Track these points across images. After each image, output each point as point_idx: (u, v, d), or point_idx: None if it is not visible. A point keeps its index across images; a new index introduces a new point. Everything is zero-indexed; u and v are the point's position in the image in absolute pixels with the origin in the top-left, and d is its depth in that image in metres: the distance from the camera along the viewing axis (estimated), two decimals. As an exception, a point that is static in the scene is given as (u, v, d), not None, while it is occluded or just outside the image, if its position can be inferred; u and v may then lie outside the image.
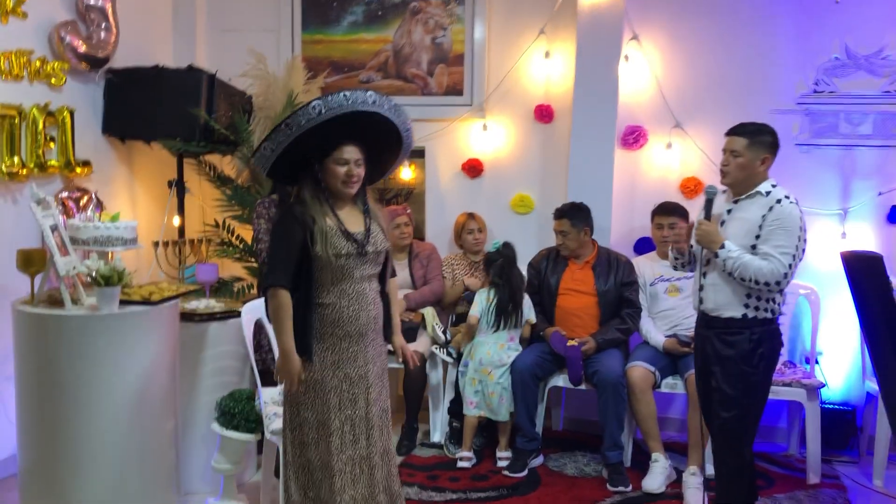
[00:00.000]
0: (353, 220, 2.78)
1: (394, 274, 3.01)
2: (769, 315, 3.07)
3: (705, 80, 4.49)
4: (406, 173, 4.84)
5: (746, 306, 3.05)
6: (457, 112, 4.80)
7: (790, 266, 2.96)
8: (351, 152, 2.71)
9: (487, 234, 4.66)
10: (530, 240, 4.76)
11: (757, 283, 2.97)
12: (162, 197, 4.64)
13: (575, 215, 4.19)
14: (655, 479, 3.83)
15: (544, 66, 4.65)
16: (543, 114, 4.69)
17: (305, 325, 2.70)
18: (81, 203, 4.07)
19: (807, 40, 4.37)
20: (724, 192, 3.22)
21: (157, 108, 4.20)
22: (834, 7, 4.11)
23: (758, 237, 3.01)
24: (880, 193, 4.36)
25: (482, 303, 4.13)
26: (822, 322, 4.33)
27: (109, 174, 4.35)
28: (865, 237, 4.38)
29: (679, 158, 4.55)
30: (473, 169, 4.80)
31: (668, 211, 4.24)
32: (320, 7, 4.90)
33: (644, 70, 4.53)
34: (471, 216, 4.60)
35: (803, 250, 3.02)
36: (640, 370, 3.95)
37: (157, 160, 4.63)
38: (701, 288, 3.17)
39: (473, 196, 4.83)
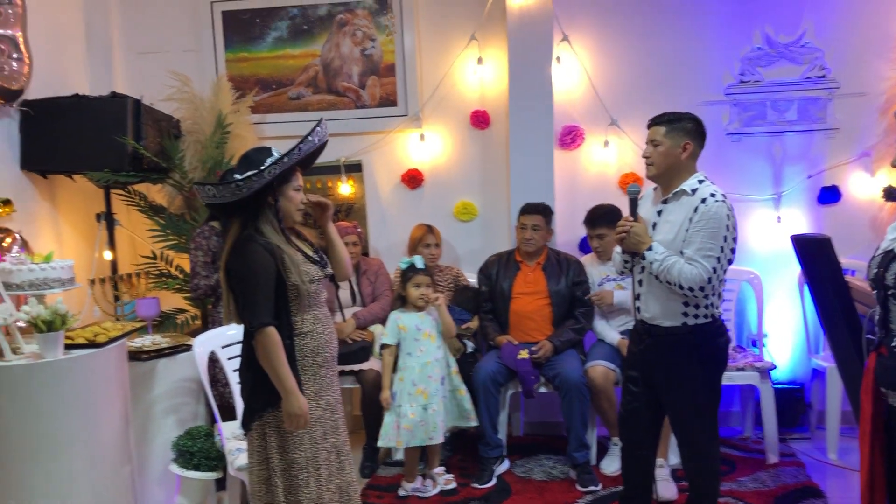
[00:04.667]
0: (302, 245, 2.75)
1: None
2: (708, 319, 2.96)
3: (636, 77, 4.57)
4: (344, 188, 4.75)
5: (685, 315, 2.94)
6: (392, 123, 4.73)
7: (714, 270, 2.84)
8: (301, 180, 2.71)
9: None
10: (476, 246, 4.76)
11: (681, 287, 2.85)
12: (90, 231, 4.41)
13: (547, 212, 4.25)
14: (614, 461, 3.92)
15: (477, 72, 4.64)
16: (480, 120, 4.67)
17: (292, 358, 2.59)
18: (5, 244, 3.82)
19: (730, 32, 4.50)
20: (655, 189, 3.12)
21: (79, 138, 3.98)
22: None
23: (685, 241, 2.91)
24: (809, 176, 4.51)
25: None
26: (765, 304, 4.45)
27: (32, 212, 4.10)
28: (799, 220, 4.53)
29: (616, 155, 4.62)
30: (413, 179, 4.75)
31: (594, 222, 4.22)
32: (242, 24, 4.76)
33: (576, 70, 4.57)
34: (429, 230, 4.46)
35: (732, 250, 2.90)
36: (601, 369, 3.97)
37: (81, 193, 4.40)
38: (637, 296, 3.08)
39: (415, 207, 4.78)
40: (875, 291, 2.25)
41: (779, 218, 4.52)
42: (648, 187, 3.17)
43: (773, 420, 4.08)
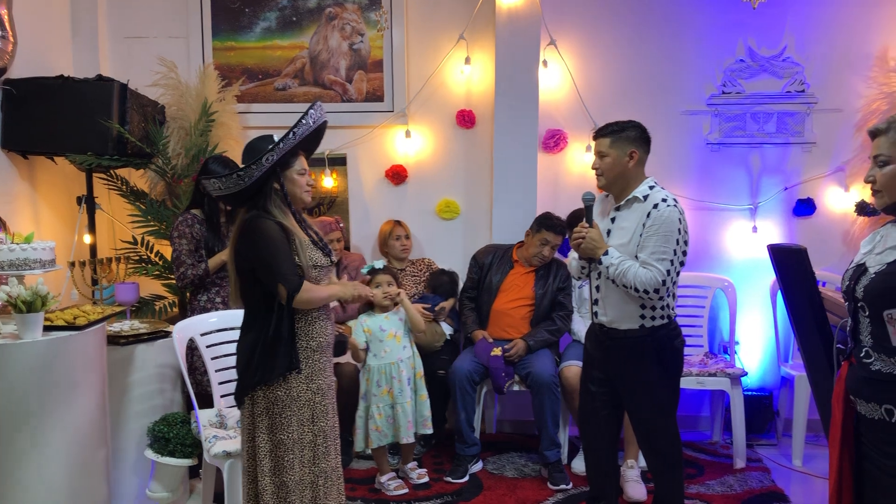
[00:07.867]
0: (309, 231, 2.80)
1: None
2: (665, 321, 3.04)
3: (620, 84, 4.63)
4: (328, 181, 4.76)
5: (642, 317, 3.01)
6: (378, 119, 4.75)
7: (668, 272, 2.91)
8: (304, 162, 2.75)
9: (413, 242, 4.64)
10: (457, 245, 4.80)
11: (636, 290, 2.92)
12: (70, 215, 4.37)
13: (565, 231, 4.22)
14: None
15: (465, 71, 4.67)
16: (465, 119, 4.70)
17: (290, 336, 2.64)
18: (-18, 224, 3.79)
19: (714, 43, 4.58)
20: (607, 196, 3.20)
21: (63, 120, 3.94)
22: (738, 10, 4.33)
23: (639, 245, 2.98)
24: (785, 188, 4.60)
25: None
26: (738, 312, 4.53)
27: (10, 192, 4.06)
28: (774, 230, 4.62)
29: (598, 160, 4.66)
30: (397, 175, 4.77)
31: (573, 227, 4.25)
32: (231, 13, 4.75)
33: (562, 75, 4.62)
34: (397, 223, 4.58)
35: (684, 253, 2.97)
36: (574, 369, 4.02)
37: (62, 175, 4.37)
38: (595, 301, 3.14)
39: (398, 203, 4.80)
40: (847, 303, 2.31)
41: (755, 228, 4.61)
42: (601, 194, 3.24)
43: (742, 426, 4.16)
